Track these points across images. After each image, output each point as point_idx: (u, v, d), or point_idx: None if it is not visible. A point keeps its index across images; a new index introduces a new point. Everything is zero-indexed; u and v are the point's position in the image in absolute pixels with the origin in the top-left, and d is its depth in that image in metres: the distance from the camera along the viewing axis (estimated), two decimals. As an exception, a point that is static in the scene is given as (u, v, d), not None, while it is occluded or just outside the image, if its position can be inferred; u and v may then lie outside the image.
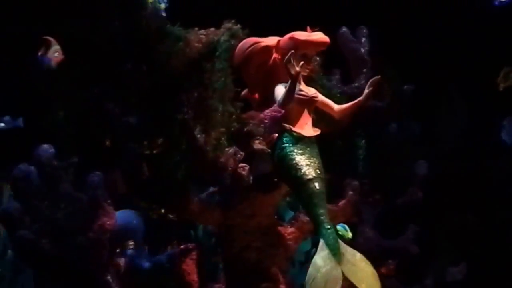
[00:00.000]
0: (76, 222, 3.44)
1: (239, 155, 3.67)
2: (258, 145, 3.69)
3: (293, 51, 3.37)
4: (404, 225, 4.43)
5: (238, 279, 3.78)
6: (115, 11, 3.31)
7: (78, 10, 3.41)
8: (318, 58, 4.09)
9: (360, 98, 3.62)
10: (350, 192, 4.06)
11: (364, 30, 4.63)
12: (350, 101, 4.22)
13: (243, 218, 3.76)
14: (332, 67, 4.45)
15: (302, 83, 3.61)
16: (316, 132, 3.60)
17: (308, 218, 3.88)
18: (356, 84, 4.49)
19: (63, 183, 3.54)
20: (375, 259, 4.16)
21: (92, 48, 3.35)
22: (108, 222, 3.56)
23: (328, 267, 3.23)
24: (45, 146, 3.59)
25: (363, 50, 4.53)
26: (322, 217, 3.34)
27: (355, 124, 4.34)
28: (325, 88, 4.15)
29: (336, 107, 3.70)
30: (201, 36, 3.43)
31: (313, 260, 3.26)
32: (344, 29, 4.59)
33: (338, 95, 4.26)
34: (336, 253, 3.24)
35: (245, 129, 3.62)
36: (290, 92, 3.41)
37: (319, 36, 3.58)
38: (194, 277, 3.73)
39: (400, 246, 4.32)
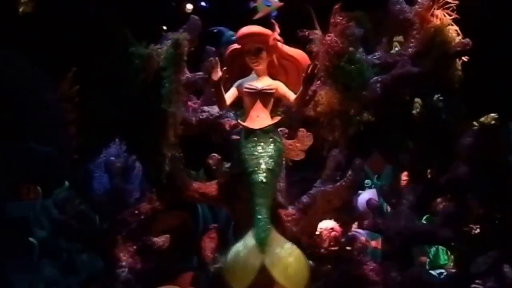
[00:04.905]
0: (112, 205, 4.34)
1: None
2: (235, 136, 3.94)
3: (212, 59, 3.58)
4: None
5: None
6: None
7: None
8: (355, 33, 3.97)
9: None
10: (349, 172, 3.83)
11: None
12: (387, 70, 4.05)
13: (243, 203, 4.04)
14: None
15: (265, 76, 3.74)
16: (274, 120, 3.66)
17: (310, 201, 3.95)
18: (397, 50, 4.06)
19: (116, 177, 4.51)
20: (406, 242, 3.89)
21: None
22: (144, 206, 4.32)
23: (249, 254, 3.41)
24: (112, 148, 4.64)
25: (408, 11, 4.02)
26: (257, 207, 3.48)
27: (387, 95, 3.98)
28: (353, 61, 3.98)
29: (292, 98, 3.70)
30: (159, 50, 3.89)
31: (240, 242, 3.47)
32: None
33: (371, 67, 4.02)
34: (261, 243, 3.39)
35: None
36: (215, 97, 3.68)
37: (241, 30, 3.66)
38: (208, 253, 4.20)
39: (429, 229, 3.77)
